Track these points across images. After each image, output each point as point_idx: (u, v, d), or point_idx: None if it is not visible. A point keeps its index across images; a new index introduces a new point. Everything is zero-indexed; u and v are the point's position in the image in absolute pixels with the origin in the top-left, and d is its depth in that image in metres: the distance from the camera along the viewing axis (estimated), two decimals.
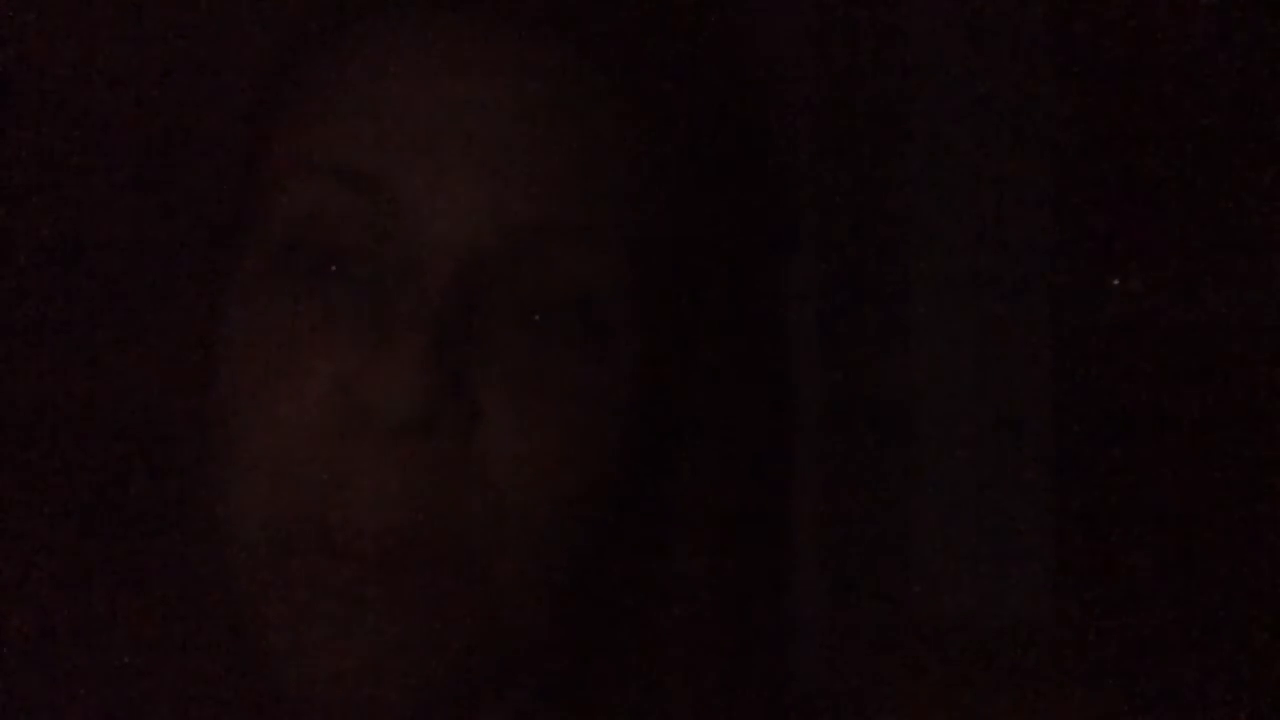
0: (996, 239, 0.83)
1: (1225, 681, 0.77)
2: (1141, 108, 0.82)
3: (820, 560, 0.83)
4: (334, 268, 0.63)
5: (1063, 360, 0.82)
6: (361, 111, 0.64)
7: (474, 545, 0.63)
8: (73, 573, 0.71)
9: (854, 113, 0.84)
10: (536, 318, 0.64)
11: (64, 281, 0.73)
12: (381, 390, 0.61)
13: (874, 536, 0.83)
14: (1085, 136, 0.83)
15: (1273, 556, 0.78)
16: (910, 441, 0.83)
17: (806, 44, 0.84)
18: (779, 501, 0.83)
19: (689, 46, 0.71)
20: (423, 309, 0.62)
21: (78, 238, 0.73)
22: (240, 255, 0.66)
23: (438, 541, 0.62)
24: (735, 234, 0.76)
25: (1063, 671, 0.80)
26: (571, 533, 0.64)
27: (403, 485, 0.61)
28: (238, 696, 0.66)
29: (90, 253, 0.73)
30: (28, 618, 0.70)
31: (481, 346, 0.63)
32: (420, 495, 0.62)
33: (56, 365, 0.73)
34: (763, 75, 0.81)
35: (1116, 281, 0.81)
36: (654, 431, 0.68)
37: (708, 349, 0.72)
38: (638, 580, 0.70)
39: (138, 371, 0.72)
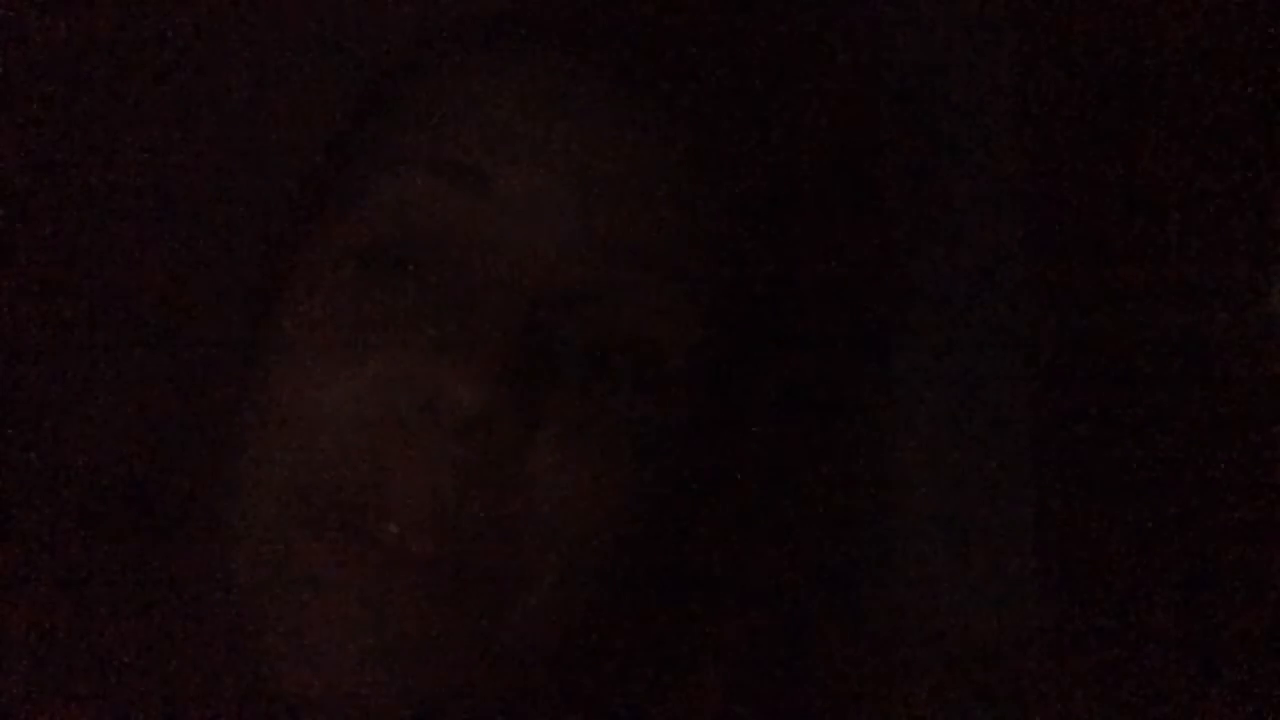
0: (981, 245, 0.83)
1: (1213, 687, 0.77)
2: (1134, 108, 0.82)
3: (817, 561, 0.83)
4: (411, 267, 0.64)
5: (1048, 367, 0.83)
6: (465, 111, 0.64)
7: (505, 552, 0.63)
8: (73, 573, 0.71)
9: (854, 113, 0.84)
10: (601, 354, 0.64)
11: (64, 281, 0.73)
12: (449, 388, 0.61)
13: (861, 543, 0.84)
14: (1076, 138, 0.83)
15: (1264, 562, 0.78)
16: (894, 447, 0.84)
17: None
18: (780, 506, 0.83)
19: (793, 94, 0.72)
20: (503, 316, 0.62)
21: (79, 238, 0.73)
22: (310, 248, 0.66)
23: (470, 543, 0.62)
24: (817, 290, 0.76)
25: (1051, 679, 0.80)
26: (596, 555, 0.65)
27: (450, 483, 0.62)
28: (238, 697, 0.66)
29: (94, 255, 0.73)
30: (28, 618, 0.70)
31: (548, 367, 0.63)
32: (463, 496, 0.62)
33: (57, 365, 0.73)
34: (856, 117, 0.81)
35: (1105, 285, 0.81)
36: (693, 475, 0.69)
37: (758, 410, 0.73)
38: (642, 582, 0.70)
39: (142, 371, 0.72)
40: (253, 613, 0.64)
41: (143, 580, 0.70)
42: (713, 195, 0.68)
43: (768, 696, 0.76)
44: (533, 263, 0.63)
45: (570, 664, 0.69)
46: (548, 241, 0.63)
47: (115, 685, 0.68)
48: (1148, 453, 0.81)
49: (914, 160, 0.84)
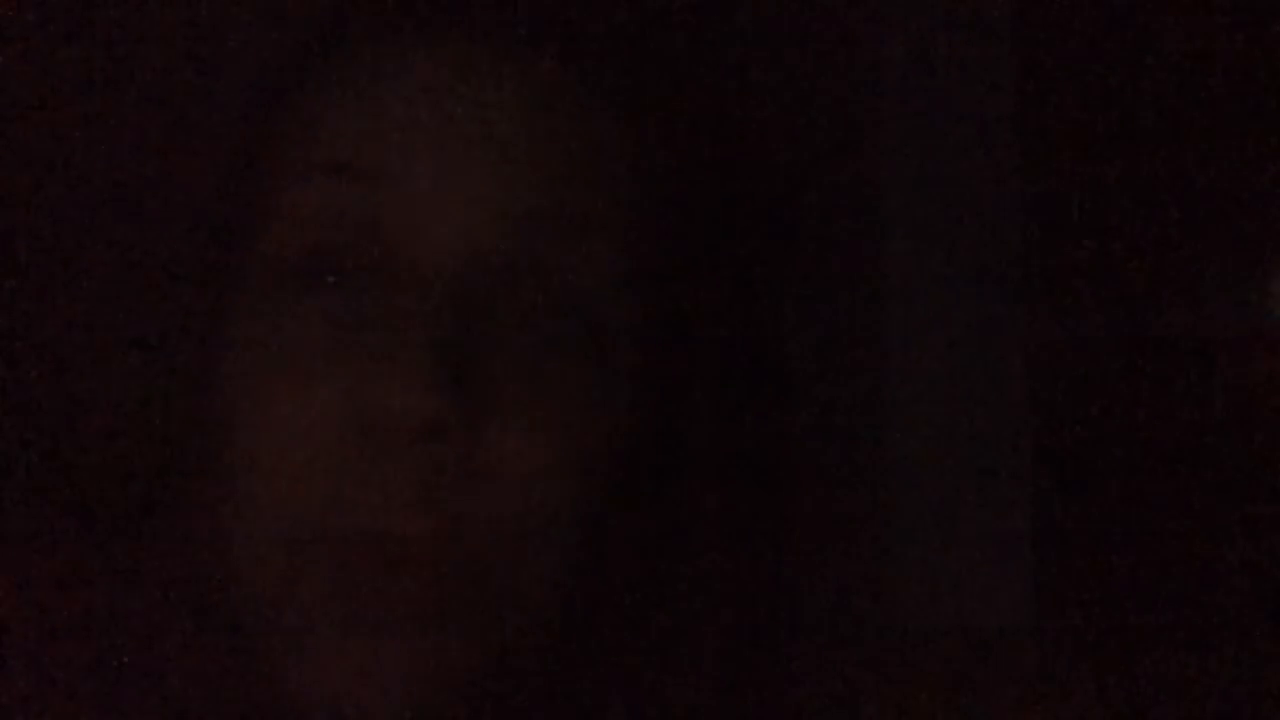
0: (980, 245, 0.83)
1: (1213, 687, 0.77)
2: (1134, 108, 0.82)
3: (814, 561, 0.83)
4: (332, 279, 0.64)
5: (1047, 367, 0.83)
6: (363, 112, 0.64)
7: (478, 546, 0.63)
8: (73, 573, 0.71)
9: (833, 114, 0.84)
10: (539, 322, 0.64)
11: (64, 281, 0.73)
12: (401, 394, 0.61)
13: (855, 542, 0.83)
14: (1076, 138, 0.83)
15: (1255, 562, 0.78)
16: (887, 449, 0.84)
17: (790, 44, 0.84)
18: (774, 504, 0.83)
19: (682, 47, 0.71)
20: (427, 314, 0.62)
21: (77, 237, 0.73)
22: (241, 261, 0.66)
23: (443, 544, 0.62)
24: (733, 233, 0.76)
25: (1045, 677, 0.80)
26: (574, 533, 0.65)
27: (413, 489, 0.62)
28: (238, 697, 0.66)
29: (90, 252, 0.73)
30: (28, 618, 0.70)
31: (486, 350, 0.63)
32: (429, 499, 0.62)
33: (57, 365, 0.73)
34: (758, 77, 0.81)
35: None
36: (654, 433, 0.68)
37: (707, 349, 0.72)
38: (639, 582, 0.70)
39: (138, 372, 0.71)
40: (253, 612, 0.64)
41: (143, 580, 0.70)
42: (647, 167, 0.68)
43: (765, 697, 0.76)
44: (451, 248, 0.63)
45: (569, 664, 0.69)
46: (461, 224, 0.63)
47: (115, 685, 0.68)
48: (1147, 453, 0.81)
49: (914, 161, 0.84)
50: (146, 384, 0.71)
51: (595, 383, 0.65)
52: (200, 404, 0.67)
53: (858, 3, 0.82)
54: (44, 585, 0.70)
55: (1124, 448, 0.81)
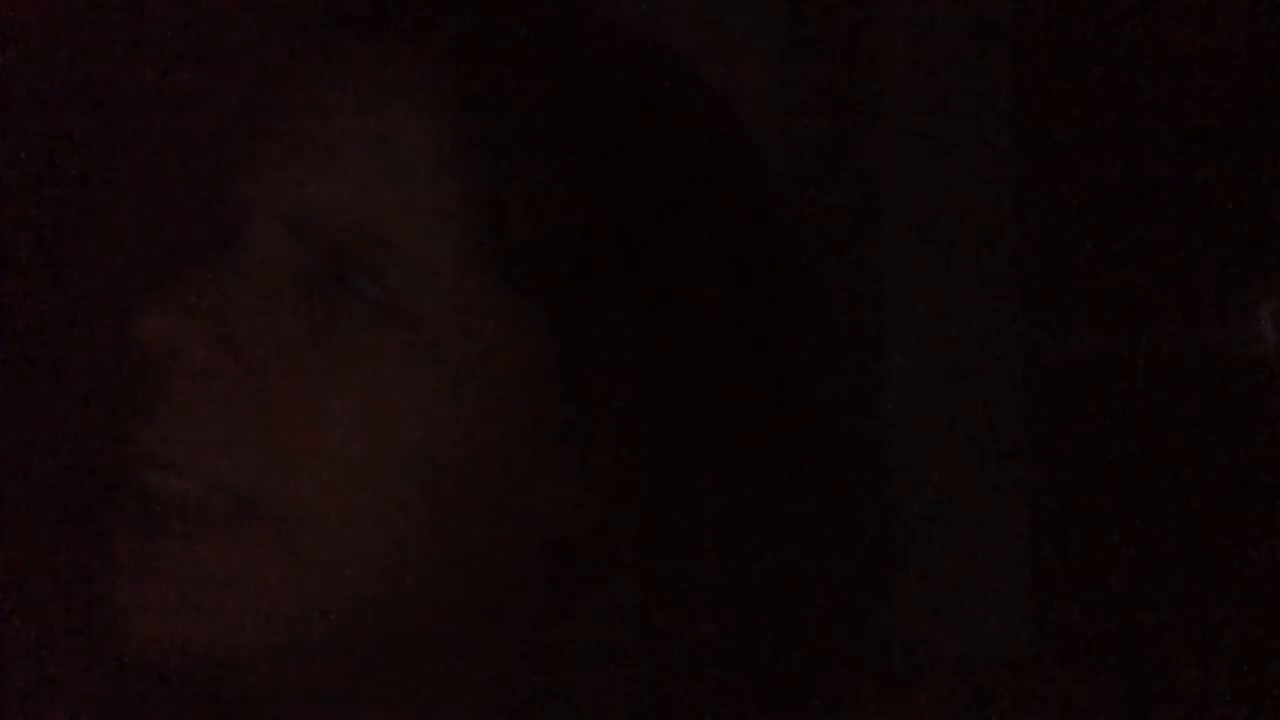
0: (979, 246, 0.83)
1: (1213, 687, 0.77)
2: (1134, 108, 0.82)
3: (814, 562, 0.83)
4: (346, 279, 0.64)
5: (1047, 368, 0.83)
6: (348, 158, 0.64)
7: (493, 546, 0.64)
8: (73, 573, 0.71)
9: (827, 122, 0.84)
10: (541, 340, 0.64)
11: (64, 281, 0.73)
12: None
13: (855, 542, 0.84)
14: (1076, 138, 0.83)
15: (1254, 579, 0.78)
16: (887, 449, 0.84)
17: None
18: (774, 504, 0.83)
19: (683, 47, 0.71)
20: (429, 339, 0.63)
21: (77, 236, 0.73)
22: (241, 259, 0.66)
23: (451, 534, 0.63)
24: (733, 233, 0.76)
25: (1051, 679, 0.80)
26: (588, 555, 0.66)
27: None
28: (238, 696, 0.66)
29: (90, 251, 0.73)
30: (28, 618, 0.70)
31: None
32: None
33: (57, 365, 0.73)
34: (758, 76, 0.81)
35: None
36: (654, 433, 0.69)
37: (707, 350, 0.73)
38: (639, 582, 0.70)
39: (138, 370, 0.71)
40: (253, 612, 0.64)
41: (142, 580, 0.70)
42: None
43: (766, 698, 0.76)
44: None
45: (569, 664, 0.69)
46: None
47: (115, 685, 0.68)
48: (1146, 453, 0.81)
49: (913, 163, 0.84)
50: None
51: (590, 389, 0.65)
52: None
53: (859, 3, 0.82)
54: (44, 585, 0.70)
55: (1124, 448, 0.81)
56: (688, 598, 0.72)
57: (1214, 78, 0.81)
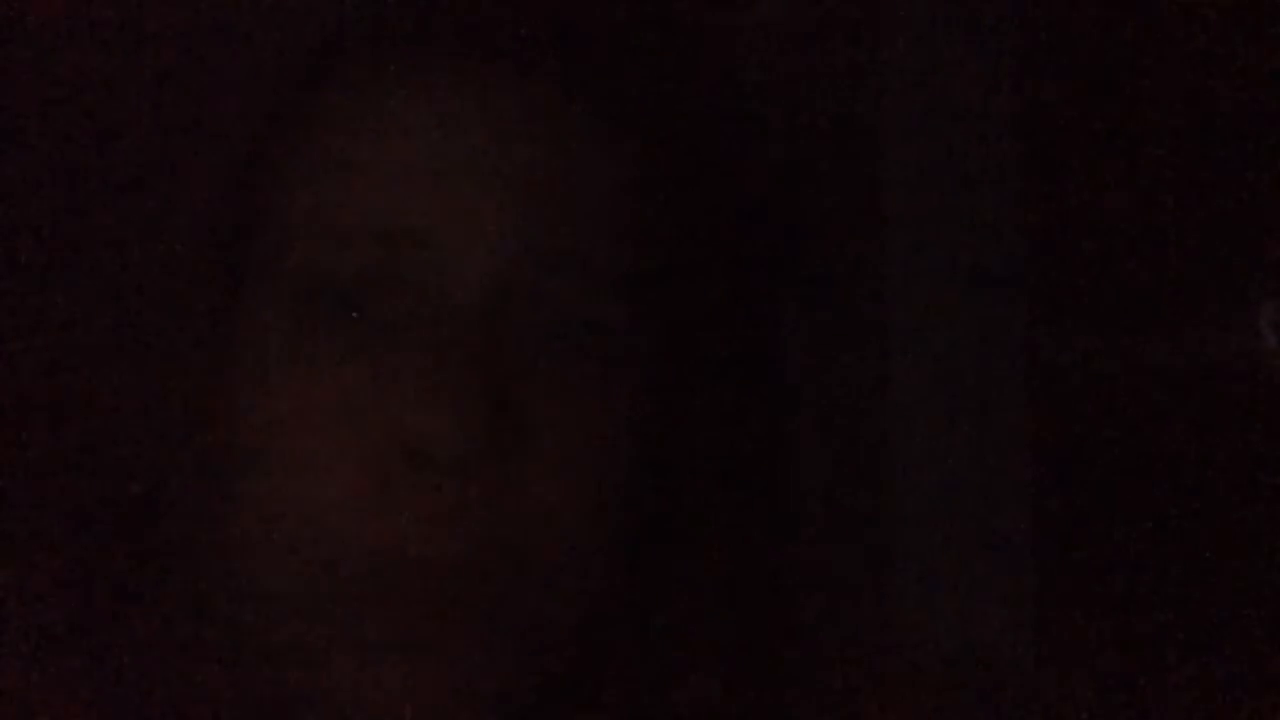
0: (980, 246, 0.83)
1: (1213, 687, 0.77)
2: (1134, 108, 0.82)
3: (814, 562, 0.83)
4: (355, 314, 0.63)
5: (1047, 369, 0.83)
6: (370, 168, 0.64)
7: (505, 555, 0.63)
8: (73, 573, 0.71)
9: (830, 127, 0.84)
10: (550, 337, 0.64)
11: (64, 281, 0.73)
12: (431, 433, 0.61)
13: (855, 543, 0.84)
14: (1077, 138, 0.83)
15: (1254, 579, 0.78)
16: (887, 449, 0.84)
17: (787, 54, 0.84)
18: (774, 504, 0.83)
19: (683, 46, 0.71)
20: (458, 347, 0.62)
21: (77, 236, 0.73)
22: (250, 297, 0.66)
23: (470, 548, 0.62)
24: (733, 234, 0.76)
25: (1051, 679, 0.80)
26: (592, 556, 0.65)
27: (447, 518, 0.62)
28: (238, 699, 0.66)
29: (93, 256, 0.73)
30: (28, 618, 0.70)
31: (510, 378, 0.63)
32: (463, 525, 0.62)
33: (56, 365, 0.73)
34: (749, 99, 0.81)
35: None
36: (655, 434, 0.69)
37: (707, 350, 0.73)
38: (639, 582, 0.70)
39: (141, 373, 0.72)
40: (253, 612, 0.64)
41: (143, 580, 0.70)
42: (663, 199, 0.68)
43: (766, 698, 0.76)
44: (467, 288, 0.63)
45: (570, 664, 0.69)
46: (476, 266, 0.63)
47: (115, 685, 0.68)
48: (1146, 454, 0.81)
49: (913, 160, 0.84)
50: (148, 383, 0.71)
51: (603, 391, 0.65)
52: (204, 406, 0.67)
53: (859, 2, 0.82)
54: (44, 585, 0.70)
55: (1125, 448, 0.81)
56: (687, 598, 0.72)
57: (1214, 78, 0.81)
